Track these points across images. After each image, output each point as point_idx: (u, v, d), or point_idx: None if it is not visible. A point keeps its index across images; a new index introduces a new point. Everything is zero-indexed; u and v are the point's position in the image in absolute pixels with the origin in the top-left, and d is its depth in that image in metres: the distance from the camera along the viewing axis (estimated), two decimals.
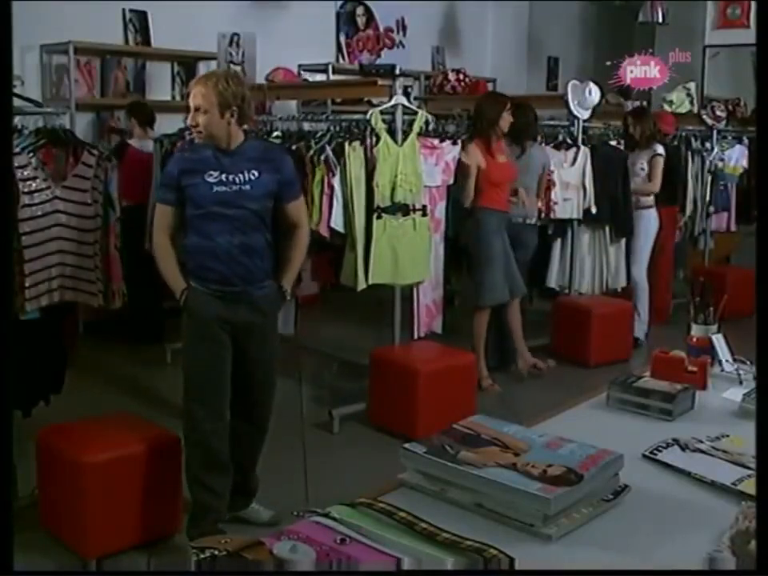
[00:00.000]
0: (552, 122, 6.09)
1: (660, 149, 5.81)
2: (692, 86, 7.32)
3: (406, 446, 1.51)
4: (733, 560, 1.24)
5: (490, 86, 8.54)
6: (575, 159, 5.47)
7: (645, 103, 7.23)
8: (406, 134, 4.33)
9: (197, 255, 3.04)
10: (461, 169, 4.68)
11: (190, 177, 3.01)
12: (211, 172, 3.00)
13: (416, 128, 4.36)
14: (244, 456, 3.26)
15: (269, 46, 6.43)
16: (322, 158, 4.32)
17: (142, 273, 5.09)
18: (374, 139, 4.26)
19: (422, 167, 4.38)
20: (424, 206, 4.39)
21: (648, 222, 5.90)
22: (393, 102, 4.30)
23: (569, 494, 1.36)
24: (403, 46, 8.58)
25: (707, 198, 6.82)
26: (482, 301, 4.89)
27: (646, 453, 1.67)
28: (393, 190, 4.24)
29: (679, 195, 6.56)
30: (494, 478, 1.38)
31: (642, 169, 5.81)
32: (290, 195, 3.15)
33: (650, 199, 5.87)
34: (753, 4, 8.26)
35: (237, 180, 3.02)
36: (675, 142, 6.55)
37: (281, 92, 5.72)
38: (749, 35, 7.85)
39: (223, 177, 3.01)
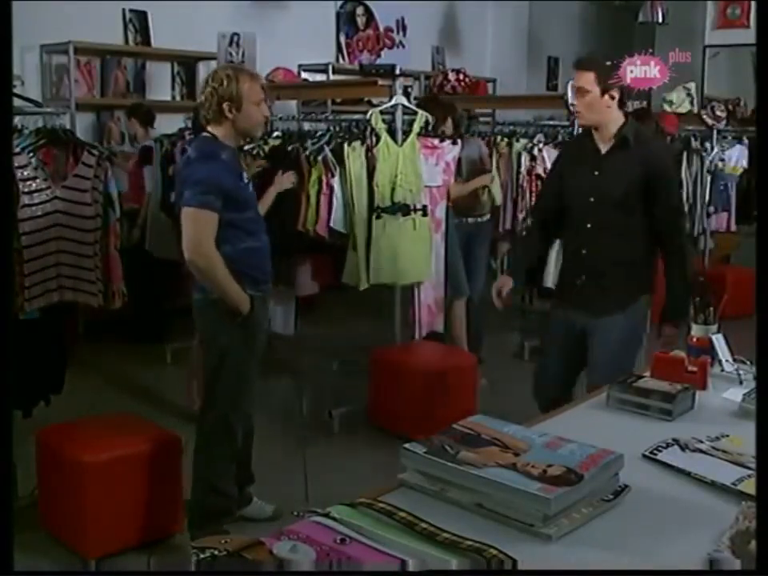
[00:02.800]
0: (552, 122, 6.09)
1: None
2: (692, 86, 7.30)
3: (406, 446, 1.51)
4: (733, 560, 1.24)
5: (489, 86, 8.56)
6: None
7: (645, 103, 7.23)
8: (406, 134, 4.33)
9: (252, 259, 2.95)
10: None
11: (236, 179, 2.93)
12: (242, 173, 3.01)
13: (416, 128, 4.36)
14: (246, 451, 3.27)
15: (269, 46, 6.42)
16: (320, 158, 4.33)
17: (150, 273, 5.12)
18: (374, 139, 4.26)
19: (422, 167, 4.38)
20: (424, 206, 4.39)
21: None
22: (393, 102, 4.30)
23: (569, 493, 1.36)
24: (403, 46, 8.57)
25: (707, 198, 6.82)
26: (464, 291, 4.93)
27: (646, 453, 1.67)
28: (393, 190, 4.24)
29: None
30: (494, 478, 1.38)
31: None
32: None
33: None
34: (753, 4, 8.25)
35: (249, 179, 3.06)
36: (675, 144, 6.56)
37: (281, 92, 5.72)
38: (749, 35, 7.85)
39: (246, 177, 3.03)
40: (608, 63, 3.00)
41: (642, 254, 3.02)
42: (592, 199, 3.04)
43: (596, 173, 3.03)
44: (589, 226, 3.02)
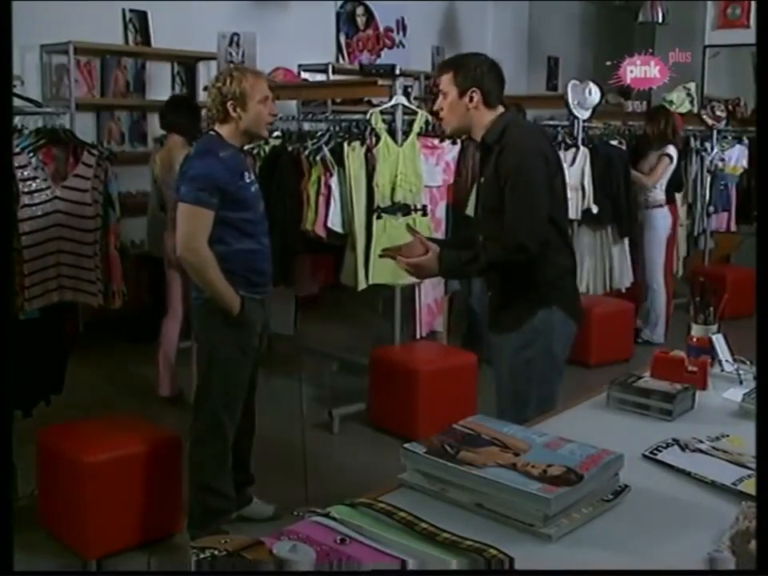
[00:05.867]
0: (552, 122, 6.09)
1: (669, 149, 5.82)
2: (692, 86, 7.32)
3: (406, 446, 1.51)
4: (733, 560, 1.24)
5: None
6: (574, 159, 5.46)
7: (646, 103, 7.25)
8: (406, 134, 4.33)
9: (247, 261, 2.95)
10: None
11: (237, 178, 2.90)
12: (244, 172, 2.97)
13: (416, 128, 4.36)
14: (245, 451, 3.28)
15: (269, 46, 6.41)
16: (318, 157, 4.33)
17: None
18: (374, 139, 4.26)
19: (422, 167, 4.38)
20: (424, 206, 4.39)
21: (658, 223, 5.90)
22: (393, 102, 4.30)
23: (569, 493, 1.36)
24: (403, 46, 8.57)
25: (707, 198, 6.83)
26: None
27: (646, 453, 1.67)
28: (393, 190, 4.24)
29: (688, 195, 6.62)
30: (494, 478, 1.38)
31: (651, 169, 5.85)
32: None
33: (660, 198, 5.87)
34: (753, 4, 8.25)
35: (254, 179, 3.04)
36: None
37: (281, 92, 5.71)
38: (749, 35, 7.85)
39: (251, 176, 3.01)
40: (470, 63, 2.69)
41: (531, 264, 2.61)
42: (479, 209, 2.86)
43: (482, 179, 2.81)
44: (480, 237, 2.74)
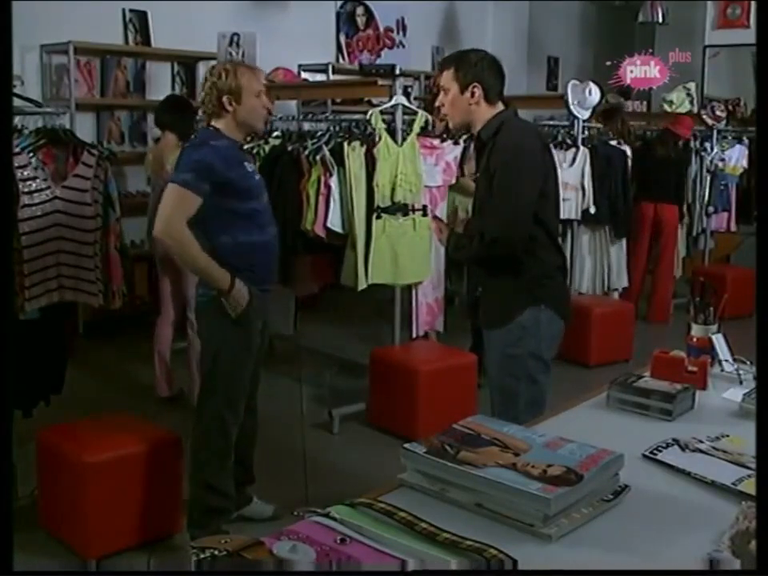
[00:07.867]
0: (552, 122, 6.09)
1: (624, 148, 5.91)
2: (692, 86, 7.32)
3: (406, 446, 1.51)
4: (733, 560, 1.24)
5: None
6: (574, 159, 5.46)
7: (621, 101, 7.27)
8: (406, 134, 4.33)
9: (252, 252, 2.91)
10: None
11: (237, 167, 2.87)
12: (245, 162, 2.95)
13: (416, 128, 4.36)
14: (247, 450, 3.27)
15: (269, 45, 6.42)
16: (318, 157, 4.33)
17: None
18: (374, 139, 4.26)
19: (422, 167, 4.38)
20: (424, 206, 4.39)
21: None
22: (393, 102, 4.30)
23: (569, 493, 1.36)
24: (403, 46, 8.57)
25: (707, 198, 6.83)
26: None
27: (646, 453, 1.67)
28: (393, 189, 4.24)
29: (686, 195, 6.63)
30: (494, 478, 1.38)
31: None
32: None
33: None
34: (753, 4, 8.26)
35: (255, 170, 3.03)
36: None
37: (281, 92, 5.72)
38: (749, 35, 7.85)
39: (253, 166, 3.00)
40: (470, 59, 2.70)
41: (518, 261, 2.64)
42: (475, 203, 2.83)
43: (477, 174, 2.88)
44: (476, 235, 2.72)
